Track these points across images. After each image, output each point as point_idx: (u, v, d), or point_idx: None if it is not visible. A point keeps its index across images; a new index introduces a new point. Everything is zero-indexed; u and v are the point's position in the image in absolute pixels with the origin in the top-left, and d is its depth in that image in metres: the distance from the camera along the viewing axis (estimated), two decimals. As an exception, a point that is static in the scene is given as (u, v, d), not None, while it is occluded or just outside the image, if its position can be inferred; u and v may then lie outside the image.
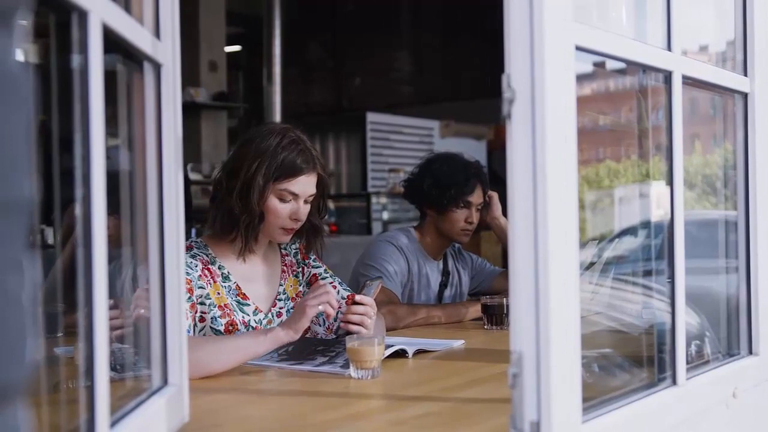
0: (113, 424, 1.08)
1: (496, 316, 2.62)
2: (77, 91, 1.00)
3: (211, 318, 2.14)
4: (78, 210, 1.01)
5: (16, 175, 0.51)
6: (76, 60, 1.01)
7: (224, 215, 2.20)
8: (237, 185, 2.16)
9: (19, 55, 0.54)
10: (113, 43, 1.11)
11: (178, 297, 1.38)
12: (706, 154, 2.11)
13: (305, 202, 2.23)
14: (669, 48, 1.50)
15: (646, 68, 1.54)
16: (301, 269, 2.41)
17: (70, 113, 1.01)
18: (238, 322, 2.18)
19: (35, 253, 0.56)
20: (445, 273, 3.11)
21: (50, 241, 2.46)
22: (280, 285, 2.34)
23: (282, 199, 2.19)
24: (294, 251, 2.42)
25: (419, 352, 2.16)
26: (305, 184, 2.21)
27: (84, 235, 1.00)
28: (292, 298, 2.34)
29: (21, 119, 0.52)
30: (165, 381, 1.36)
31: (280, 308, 2.31)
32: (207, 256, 2.21)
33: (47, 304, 1.33)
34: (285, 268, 2.37)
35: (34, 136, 0.56)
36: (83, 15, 0.99)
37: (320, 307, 1.96)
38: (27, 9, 0.56)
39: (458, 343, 2.33)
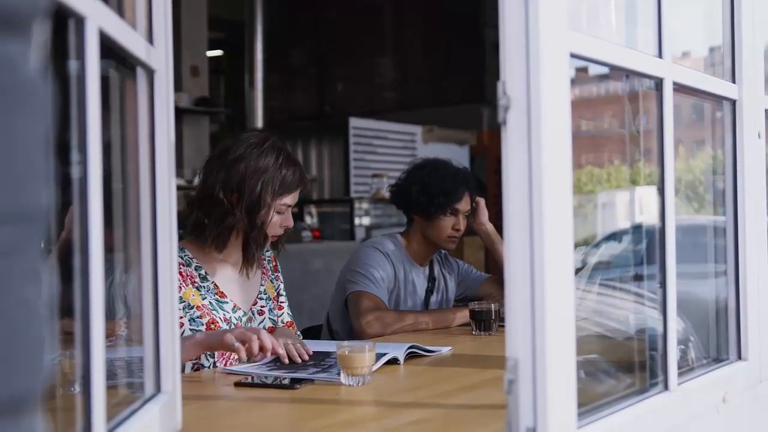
0: (108, 432, 1.07)
1: (484, 322, 2.62)
2: (74, 97, 1.00)
3: (190, 319, 2.18)
4: (74, 215, 1.00)
5: (35, 183, 0.51)
6: (72, 66, 1.00)
7: (228, 231, 2.25)
8: (243, 203, 2.22)
9: (37, 64, 0.54)
10: (107, 48, 1.10)
11: (170, 304, 1.37)
12: (688, 159, 2.13)
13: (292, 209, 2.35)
14: (660, 55, 1.51)
15: (638, 75, 1.55)
16: (275, 276, 2.51)
17: (66, 119, 1.00)
18: (218, 319, 2.24)
19: (49, 261, 0.56)
20: (431, 279, 3.11)
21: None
22: (261, 285, 2.42)
23: (279, 212, 2.29)
24: (268, 259, 2.51)
25: (411, 356, 2.17)
26: (297, 195, 2.34)
27: (81, 241, 0.99)
28: (273, 298, 2.44)
29: (39, 127, 0.51)
30: (158, 389, 1.35)
31: (262, 306, 2.40)
32: (182, 258, 2.23)
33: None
34: (264, 270, 2.46)
35: (51, 144, 0.55)
36: (80, 21, 0.98)
37: (237, 345, 1.94)
38: (42, 17, 0.55)
39: (446, 350, 2.33)
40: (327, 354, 2.16)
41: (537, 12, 1.15)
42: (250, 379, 1.90)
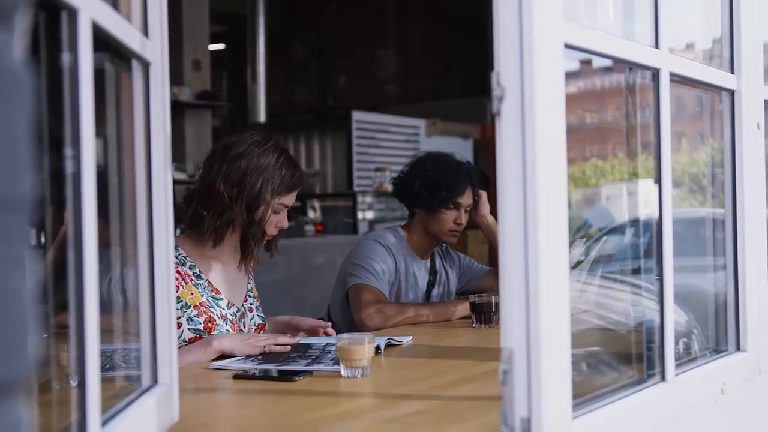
0: (104, 423, 1.08)
1: (485, 314, 2.62)
2: (67, 90, 1.00)
3: (188, 319, 2.19)
4: (68, 211, 1.00)
5: (20, 171, 0.51)
6: (65, 58, 1.00)
7: (226, 225, 2.26)
8: (242, 199, 2.23)
9: (20, 54, 0.54)
10: (101, 41, 1.10)
11: (167, 297, 1.37)
12: (692, 152, 2.12)
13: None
14: (657, 46, 1.51)
15: (634, 66, 1.54)
16: (253, 276, 2.53)
17: (59, 112, 1.00)
18: (215, 317, 2.25)
19: (35, 249, 0.56)
20: (433, 272, 3.11)
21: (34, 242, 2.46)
22: (249, 283, 2.45)
23: (276, 212, 2.30)
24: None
25: (388, 346, 2.20)
26: (294, 197, 2.35)
27: (74, 235, 0.99)
28: (257, 296, 2.47)
29: (22, 117, 0.52)
30: (155, 380, 1.35)
31: (251, 304, 2.43)
32: (176, 257, 2.23)
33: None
34: (250, 269, 2.48)
35: (35, 133, 0.56)
36: (73, 13, 0.98)
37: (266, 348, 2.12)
38: (26, 8, 0.56)
39: (408, 339, 2.35)
40: (307, 347, 2.17)
41: (531, 2, 1.15)
42: (247, 372, 1.90)
